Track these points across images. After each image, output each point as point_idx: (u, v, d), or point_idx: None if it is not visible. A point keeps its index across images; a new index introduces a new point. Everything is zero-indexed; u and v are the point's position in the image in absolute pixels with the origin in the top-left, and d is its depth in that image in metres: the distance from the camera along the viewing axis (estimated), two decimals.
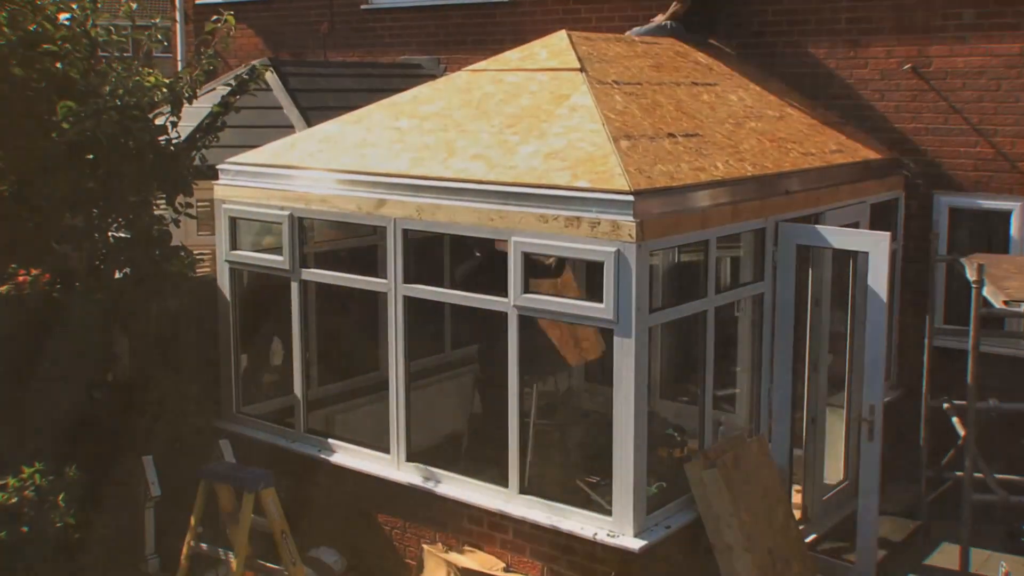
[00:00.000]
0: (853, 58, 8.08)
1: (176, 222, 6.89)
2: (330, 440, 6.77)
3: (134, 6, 6.66)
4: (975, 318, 6.41)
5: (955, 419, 6.91)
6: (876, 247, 6.29)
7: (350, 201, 6.39)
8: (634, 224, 5.30)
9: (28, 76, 6.08)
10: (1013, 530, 6.97)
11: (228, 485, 6.06)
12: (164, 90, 6.64)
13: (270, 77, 8.63)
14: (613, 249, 5.35)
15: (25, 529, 5.62)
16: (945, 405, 7.01)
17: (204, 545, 6.14)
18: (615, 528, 5.58)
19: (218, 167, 7.15)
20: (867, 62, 8.02)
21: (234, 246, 7.10)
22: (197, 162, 7.03)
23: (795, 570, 6.01)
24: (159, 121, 6.68)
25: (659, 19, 8.52)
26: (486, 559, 6.04)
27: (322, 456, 6.72)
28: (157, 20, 6.96)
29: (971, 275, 6.45)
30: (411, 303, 6.25)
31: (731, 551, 5.74)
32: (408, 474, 6.38)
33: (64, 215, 6.46)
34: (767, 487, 6.09)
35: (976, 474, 6.62)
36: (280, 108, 8.63)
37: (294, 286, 6.75)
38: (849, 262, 6.77)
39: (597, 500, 5.95)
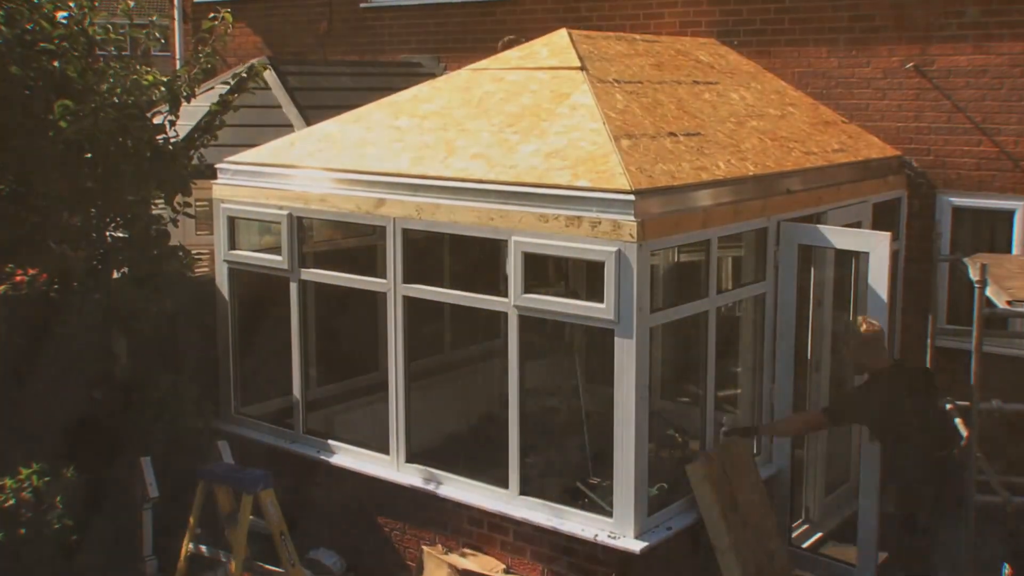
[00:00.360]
0: (855, 56, 8.05)
1: (174, 221, 6.86)
2: (329, 441, 6.73)
3: (131, 4, 6.62)
4: (978, 318, 6.36)
5: (958, 420, 6.87)
6: (878, 247, 6.25)
7: (349, 200, 6.35)
8: (635, 224, 5.27)
9: (25, 75, 6.04)
10: (1015, 531, 6.92)
11: (227, 486, 6.03)
12: (162, 89, 6.61)
13: (269, 76, 8.59)
14: (614, 249, 5.32)
15: (23, 531, 5.59)
16: (948, 406, 6.97)
17: (203, 547, 6.11)
18: (616, 529, 5.55)
19: (216, 166, 7.12)
20: (869, 60, 7.99)
21: (233, 246, 7.06)
22: (195, 161, 7.00)
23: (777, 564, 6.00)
24: (157, 120, 6.65)
25: None
26: (486, 561, 6.01)
27: (321, 457, 6.68)
28: (155, 18, 6.92)
29: (974, 275, 6.41)
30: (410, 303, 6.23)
31: (733, 551, 5.71)
32: (408, 475, 6.35)
33: (62, 214, 6.43)
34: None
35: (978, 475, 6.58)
36: (279, 107, 8.59)
37: (293, 286, 6.72)
38: (851, 262, 6.74)
39: (598, 501, 5.91)
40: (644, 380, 5.44)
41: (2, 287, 6.46)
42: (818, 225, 6.54)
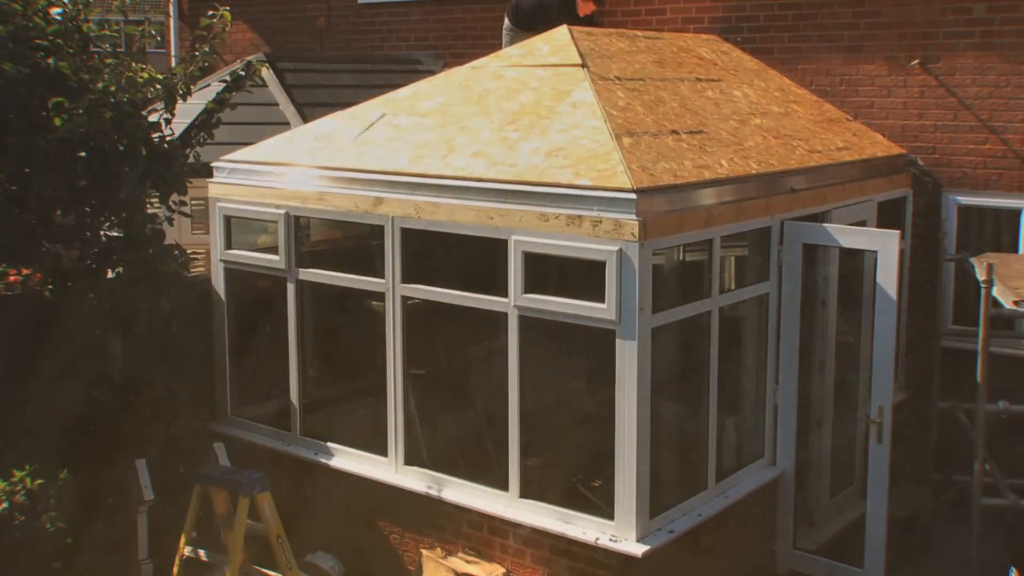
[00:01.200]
0: (860, 53, 7.96)
1: (170, 221, 6.78)
2: (327, 443, 6.66)
3: (127, 0, 6.55)
4: (984, 318, 6.29)
5: (964, 421, 6.80)
6: (885, 246, 6.18)
7: (347, 199, 6.28)
8: (637, 223, 5.19)
9: (20, 72, 5.97)
10: (1013, 530, 6.84)
11: (223, 489, 5.96)
12: (158, 86, 6.53)
13: (266, 73, 8.51)
14: (615, 248, 5.24)
15: (17, 535, 5.53)
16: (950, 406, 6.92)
17: (201, 551, 6.04)
18: (617, 533, 5.48)
19: (212, 165, 7.05)
20: (874, 58, 7.91)
21: (229, 245, 6.99)
22: (191, 159, 6.92)
23: None
24: (153, 118, 6.57)
25: None
26: (486, 564, 5.94)
27: (319, 459, 6.61)
28: (150, 15, 6.84)
29: (980, 275, 6.34)
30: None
31: None
32: (406, 478, 6.28)
33: (56, 213, 6.36)
34: None
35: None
36: (276, 104, 8.53)
37: (290, 286, 6.65)
38: (856, 261, 6.66)
39: (599, 504, 5.84)
40: (646, 381, 5.36)
41: None
42: (824, 224, 6.46)
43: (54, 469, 5.76)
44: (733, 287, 6.50)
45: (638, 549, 5.39)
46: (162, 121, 6.61)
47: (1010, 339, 7.27)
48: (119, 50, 6.66)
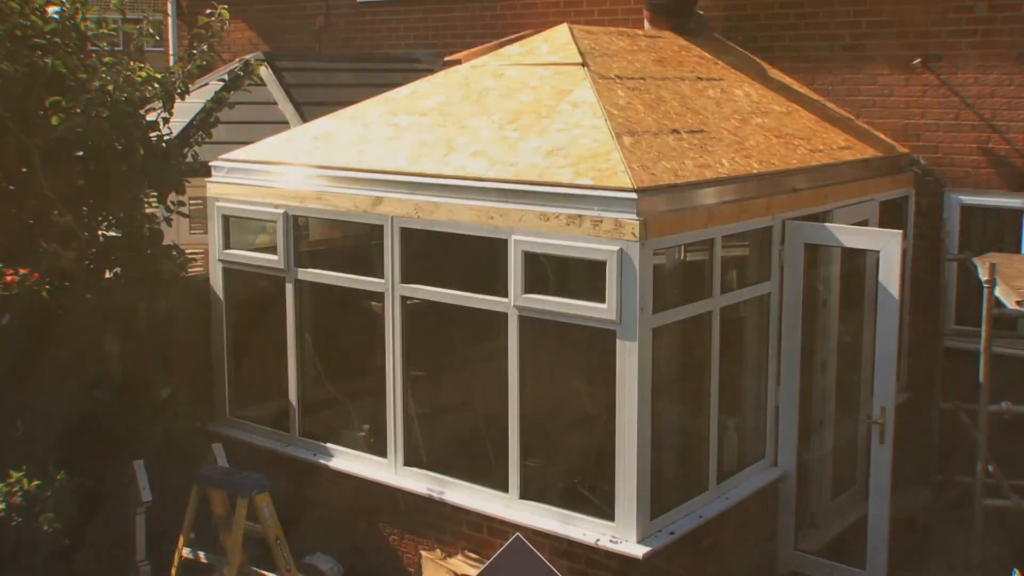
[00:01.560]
0: (861, 52, 7.93)
1: (168, 220, 6.75)
2: (326, 444, 6.63)
3: None
4: (987, 319, 6.27)
5: (967, 422, 6.77)
6: (887, 246, 6.15)
7: (347, 199, 6.25)
8: (637, 222, 5.16)
9: (17, 71, 5.94)
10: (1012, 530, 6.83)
11: (222, 490, 5.94)
12: (155, 85, 6.50)
13: (264, 72, 8.48)
14: (616, 248, 5.22)
15: (15, 537, 5.51)
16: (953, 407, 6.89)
17: (201, 552, 6.02)
18: (618, 534, 5.46)
19: (211, 164, 7.02)
20: (876, 57, 7.88)
21: (227, 245, 6.96)
22: (189, 159, 6.90)
23: None
24: (151, 117, 6.54)
25: None
26: None
27: (318, 460, 6.58)
28: (148, 14, 6.81)
29: (983, 274, 6.32)
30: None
31: None
32: (406, 479, 6.25)
33: (53, 213, 6.33)
34: None
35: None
36: (275, 103, 8.49)
37: (289, 287, 6.62)
38: (858, 261, 6.63)
39: (600, 505, 5.81)
40: (647, 382, 5.33)
41: None
42: (826, 224, 6.43)
43: (52, 470, 5.73)
44: (734, 287, 6.47)
45: (639, 551, 5.37)
46: (160, 120, 6.58)
47: (1012, 339, 7.24)
48: (117, 49, 6.63)
